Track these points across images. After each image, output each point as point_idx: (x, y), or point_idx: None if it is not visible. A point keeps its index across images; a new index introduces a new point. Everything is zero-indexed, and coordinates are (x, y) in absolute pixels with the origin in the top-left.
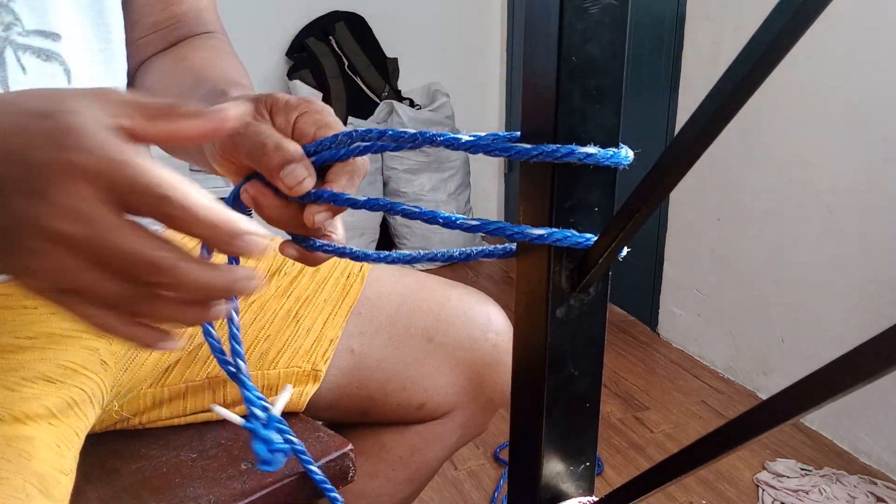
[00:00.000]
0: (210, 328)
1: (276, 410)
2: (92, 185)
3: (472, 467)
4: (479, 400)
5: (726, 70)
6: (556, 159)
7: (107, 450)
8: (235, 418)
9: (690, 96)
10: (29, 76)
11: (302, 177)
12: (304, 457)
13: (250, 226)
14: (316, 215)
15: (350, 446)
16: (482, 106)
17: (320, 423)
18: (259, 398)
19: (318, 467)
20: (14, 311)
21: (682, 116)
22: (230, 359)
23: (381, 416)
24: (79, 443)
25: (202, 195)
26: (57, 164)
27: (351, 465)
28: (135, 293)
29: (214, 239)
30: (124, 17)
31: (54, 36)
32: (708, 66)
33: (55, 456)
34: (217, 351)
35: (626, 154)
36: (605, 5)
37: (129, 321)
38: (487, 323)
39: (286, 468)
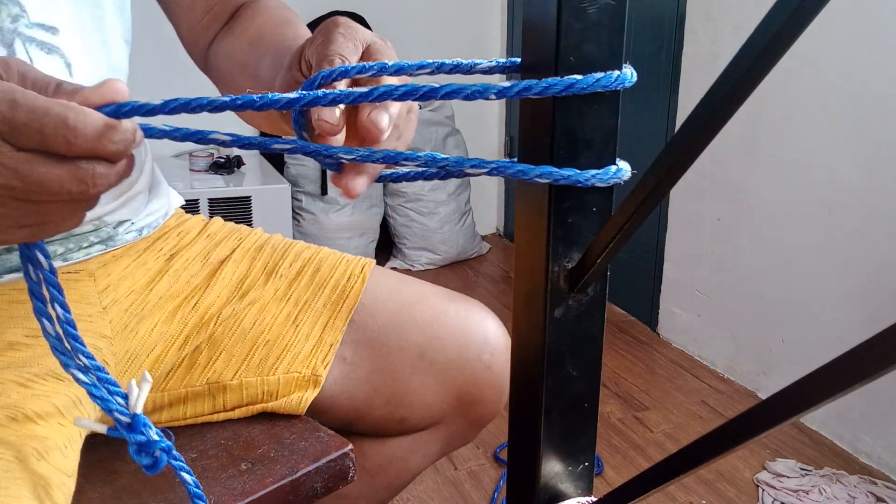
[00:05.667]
0: (47, 322)
1: (138, 408)
2: None
3: (472, 467)
4: (467, 416)
5: (724, 70)
6: (558, 93)
7: (107, 450)
8: (100, 427)
9: (690, 96)
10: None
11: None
12: (176, 463)
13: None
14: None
15: (350, 446)
16: (482, 105)
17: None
18: (118, 397)
19: (319, 467)
20: (25, 306)
21: (682, 116)
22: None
23: (362, 428)
24: (80, 443)
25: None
26: None
27: (351, 465)
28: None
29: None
30: (179, 3)
31: (53, 29)
32: (708, 66)
33: (62, 458)
34: (59, 351)
35: (630, 76)
36: (602, 5)
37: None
38: (484, 343)
39: (286, 468)
